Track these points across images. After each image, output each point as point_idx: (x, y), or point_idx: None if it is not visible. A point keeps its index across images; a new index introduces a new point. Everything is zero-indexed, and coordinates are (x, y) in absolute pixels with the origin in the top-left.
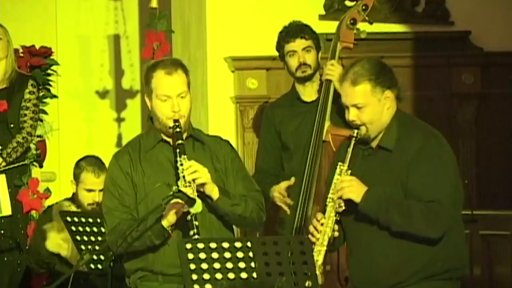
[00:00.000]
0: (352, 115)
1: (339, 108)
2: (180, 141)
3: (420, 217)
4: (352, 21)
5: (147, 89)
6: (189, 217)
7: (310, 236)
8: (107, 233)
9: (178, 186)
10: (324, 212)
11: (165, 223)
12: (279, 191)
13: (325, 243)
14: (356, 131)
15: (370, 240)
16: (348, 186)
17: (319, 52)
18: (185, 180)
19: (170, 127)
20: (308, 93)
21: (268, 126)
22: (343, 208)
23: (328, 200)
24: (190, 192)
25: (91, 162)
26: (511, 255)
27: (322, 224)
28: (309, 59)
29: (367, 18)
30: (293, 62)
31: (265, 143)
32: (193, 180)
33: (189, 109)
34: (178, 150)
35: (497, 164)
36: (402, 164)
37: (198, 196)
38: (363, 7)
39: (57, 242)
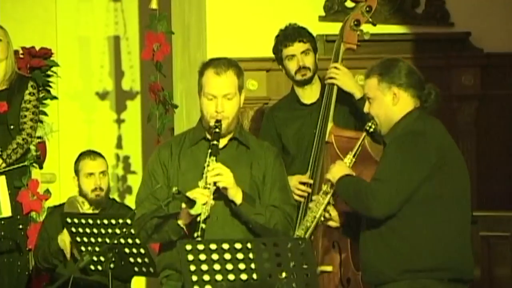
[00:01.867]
0: (366, 106)
1: (342, 110)
2: (214, 142)
3: (361, 195)
4: (356, 23)
5: (199, 85)
6: (198, 219)
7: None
8: (134, 222)
9: (199, 185)
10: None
11: (180, 221)
12: (296, 180)
13: (313, 221)
14: (368, 123)
15: (361, 234)
16: (330, 168)
17: (316, 54)
18: (206, 182)
19: (210, 127)
20: (308, 95)
21: (268, 128)
22: (329, 191)
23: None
24: (207, 194)
25: (86, 151)
26: (511, 257)
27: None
28: (308, 62)
29: (370, 19)
30: (292, 66)
31: None
32: (214, 183)
33: (236, 112)
34: (209, 151)
35: (497, 165)
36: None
37: (220, 199)
38: (367, 9)
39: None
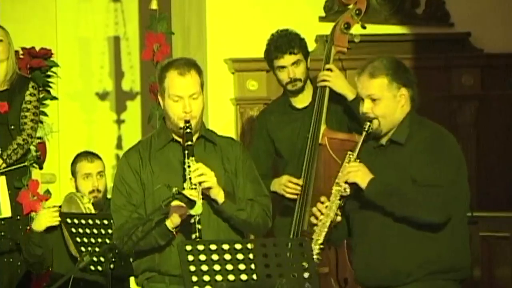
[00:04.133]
0: (366, 107)
1: (335, 112)
2: (189, 142)
3: (423, 201)
4: (346, 26)
5: (161, 88)
6: (192, 220)
7: (312, 217)
8: (114, 231)
9: (184, 187)
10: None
11: (169, 224)
12: (286, 179)
13: (327, 224)
14: (368, 123)
15: (377, 233)
16: (355, 171)
17: (308, 59)
18: (191, 183)
19: (180, 128)
20: (300, 100)
21: (261, 132)
22: (348, 193)
23: (334, 184)
24: (195, 194)
25: (83, 153)
26: (511, 257)
27: (326, 207)
28: (298, 73)
29: (360, 22)
30: (283, 77)
31: (258, 149)
32: (199, 183)
33: (201, 110)
34: (186, 152)
35: (497, 165)
36: (412, 156)
37: (203, 198)
38: (357, 12)
39: (46, 217)
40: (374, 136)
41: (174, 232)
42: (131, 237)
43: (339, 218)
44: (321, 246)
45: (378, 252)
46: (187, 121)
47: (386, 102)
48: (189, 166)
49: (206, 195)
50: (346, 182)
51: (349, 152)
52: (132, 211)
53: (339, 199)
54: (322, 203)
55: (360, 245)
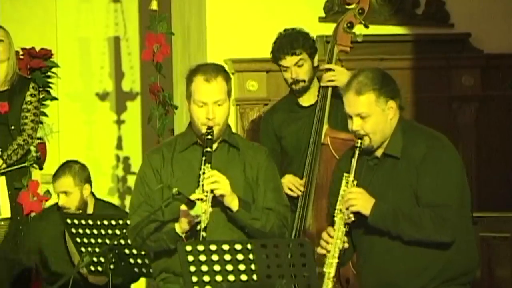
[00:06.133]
0: (356, 125)
1: (339, 111)
2: (208, 149)
3: (430, 224)
4: (348, 25)
5: (187, 91)
6: (198, 227)
7: (320, 248)
8: (129, 230)
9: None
10: (333, 224)
11: (178, 229)
12: (289, 180)
13: (336, 255)
14: (359, 141)
15: (384, 248)
16: (356, 199)
17: (314, 58)
18: (203, 190)
19: (202, 134)
20: (306, 99)
21: (267, 130)
22: (352, 219)
23: (336, 211)
24: (203, 204)
25: (58, 168)
26: (511, 257)
27: (332, 237)
28: (301, 73)
29: (363, 21)
30: (287, 77)
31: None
32: (211, 190)
33: (226, 117)
34: (204, 158)
35: (497, 166)
36: (410, 170)
37: (216, 206)
38: (360, 11)
39: None
40: (366, 151)
41: (184, 237)
42: (142, 236)
43: (346, 245)
44: (334, 280)
45: (387, 273)
46: (209, 127)
47: (375, 118)
48: (203, 173)
49: (220, 202)
50: (348, 209)
51: (345, 174)
52: (149, 211)
53: (344, 226)
54: (328, 233)
55: (368, 263)
